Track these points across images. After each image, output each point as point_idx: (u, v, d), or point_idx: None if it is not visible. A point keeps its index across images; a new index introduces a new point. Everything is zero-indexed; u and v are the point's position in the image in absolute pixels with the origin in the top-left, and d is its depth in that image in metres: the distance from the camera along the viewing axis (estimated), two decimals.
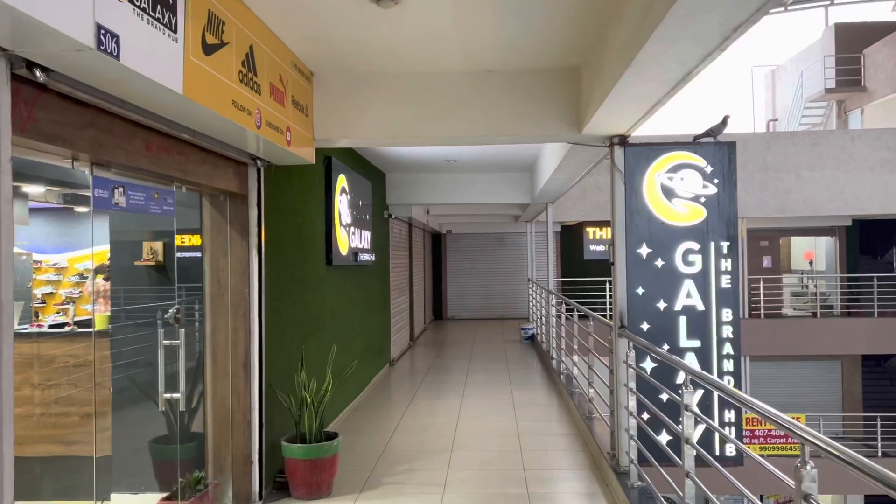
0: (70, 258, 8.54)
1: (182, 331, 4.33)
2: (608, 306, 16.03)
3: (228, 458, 5.16)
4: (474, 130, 5.17)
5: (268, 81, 4.21)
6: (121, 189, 3.64)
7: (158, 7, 2.81)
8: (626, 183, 5.16)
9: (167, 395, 4.21)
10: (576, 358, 8.81)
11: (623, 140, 5.15)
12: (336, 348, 7.01)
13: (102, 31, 2.39)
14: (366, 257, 8.88)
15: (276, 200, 5.69)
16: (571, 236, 19.62)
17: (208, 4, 3.32)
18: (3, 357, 2.39)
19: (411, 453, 6.46)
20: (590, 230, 19.60)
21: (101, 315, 5.48)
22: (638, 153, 5.20)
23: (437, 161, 10.13)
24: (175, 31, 2.96)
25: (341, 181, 7.64)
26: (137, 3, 2.64)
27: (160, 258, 5.29)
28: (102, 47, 2.39)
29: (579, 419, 7.20)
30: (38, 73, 2.54)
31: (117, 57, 2.49)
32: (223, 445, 5.17)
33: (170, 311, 4.41)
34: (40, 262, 8.32)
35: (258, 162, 5.06)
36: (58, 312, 8.13)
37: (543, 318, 13.32)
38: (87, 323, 5.65)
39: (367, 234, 9.16)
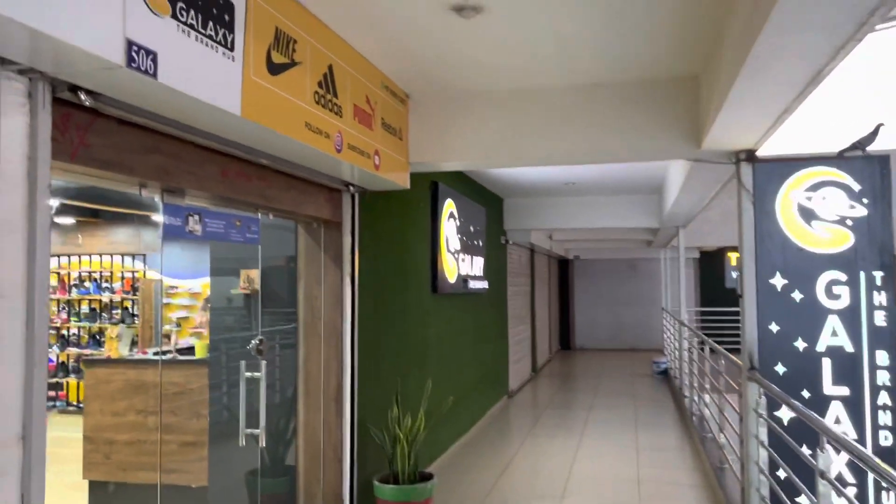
0: (179, 283, 8.82)
1: (263, 363, 4.18)
2: None
3: (319, 494, 4.96)
4: (579, 148, 4.73)
5: (351, 103, 4.01)
6: (196, 216, 3.53)
7: (211, 24, 2.65)
8: (756, 203, 4.52)
9: (248, 431, 4.04)
10: (708, 398, 7.99)
11: (751, 155, 4.53)
12: (433, 382, 6.70)
13: (134, 48, 2.23)
14: (478, 285, 8.56)
15: (375, 227, 5.50)
16: (711, 263, 18.37)
17: (275, 21, 3.15)
18: (34, 384, 2.25)
19: (518, 498, 6.00)
20: (732, 256, 18.27)
21: (200, 343, 5.49)
22: (769, 170, 4.56)
23: (556, 184, 9.69)
24: (231, 49, 2.79)
25: (449, 206, 7.39)
26: (183, 19, 2.48)
27: (256, 286, 5.23)
28: (134, 65, 2.23)
29: (709, 469, 6.45)
30: (82, 96, 2.43)
31: (154, 75, 2.32)
32: (314, 481, 4.98)
33: (252, 342, 4.27)
34: (175, 287, 8.64)
35: (351, 188, 4.88)
36: (189, 336, 8.39)
37: (677, 352, 12.41)
38: (189, 350, 5.70)
39: (479, 261, 8.85)
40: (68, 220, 8.75)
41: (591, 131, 4.70)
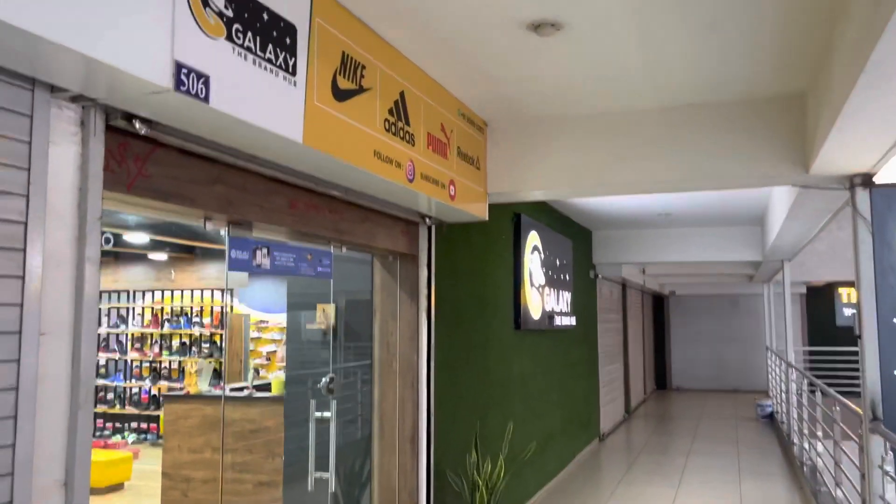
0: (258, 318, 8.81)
1: (334, 402, 4.00)
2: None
3: None
4: (670, 176, 4.39)
5: (425, 131, 3.84)
6: (265, 250, 3.42)
7: (270, 47, 2.53)
8: (875, 234, 4.03)
9: (317, 474, 3.86)
10: (820, 447, 7.28)
11: (867, 180, 4.06)
12: (515, 424, 6.37)
13: (184, 71, 2.12)
14: (565, 321, 8.19)
15: (453, 260, 5.30)
16: (820, 299, 17.20)
17: (341, 46, 3.02)
18: (79, 427, 2.12)
19: None
20: (842, 291, 17.09)
21: (276, 380, 5.40)
22: (890, 195, 4.07)
23: (648, 215, 9.24)
24: (294, 74, 2.67)
25: (532, 239, 7.11)
26: (239, 42, 2.36)
27: (332, 321, 5.10)
28: (184, 88, 2.11)
29: None
30: (137, 124, 2.34)
31: (206, 99, 2.21)
32: None
33: (323, 380, 4.11)
34: (266, 321, 8.69)
35: (427, 220, 4.70)
36: (278, 370, 8.37)
37: (784, 395, 11.54)
38: (265, 387, 5.61)
39: (566, 296, 8.48)
40: (161, 256, 8.98)
41: (685, 157, 4.35)
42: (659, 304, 18.90)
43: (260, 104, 2.48)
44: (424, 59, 3.71)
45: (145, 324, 9.33)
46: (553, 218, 8.34)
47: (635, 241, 10.48)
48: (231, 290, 9.18)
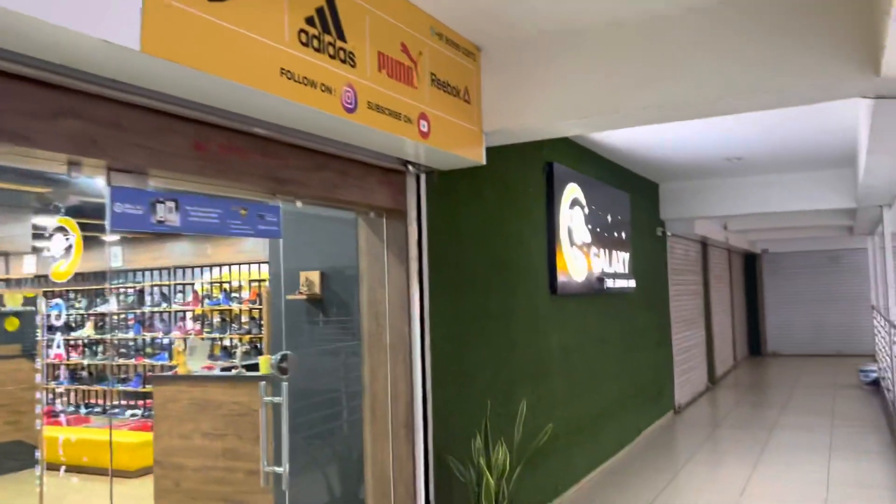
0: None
1: (285, 385, 3.39)
2: None
3: None
4: (701, 94, 3.49)
5: (373, 50, 3.12)
6: (170, 203, 2.81)
7: None
8: None
9: (269, 469, 3.27)
10: None
11: None
12: (558, 400, 5.62)
13: None
14: (620, 284, 7.30)
15: (456, 217, 4.58)
16: None
17: None
18: None
19: None
20: None
21: (264, 358, 4.86)
22: None
23: (716, 161, 8.15)
24: None
25: (571, 192, 6.26)
26: None
27: (316, 290, 4.49)
28: None
29: None
30: None
31: None
32: None
33: (272, 358, 3.51)
34: None
35: (411, 168, 4.00)
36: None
37: (890, 359, 10.19)
38: (254, 367, 5.10)
39: (622, 256, 7.58)
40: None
41: (716, 69, 3.44)
42: (750, 264, 17.43)
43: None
44: None
45: (186, 301, 9.09)
46: (601, 168, 7.42)
47: (708, 193, 9.37)
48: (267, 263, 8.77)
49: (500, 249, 5.10)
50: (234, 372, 5.03)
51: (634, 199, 8.46)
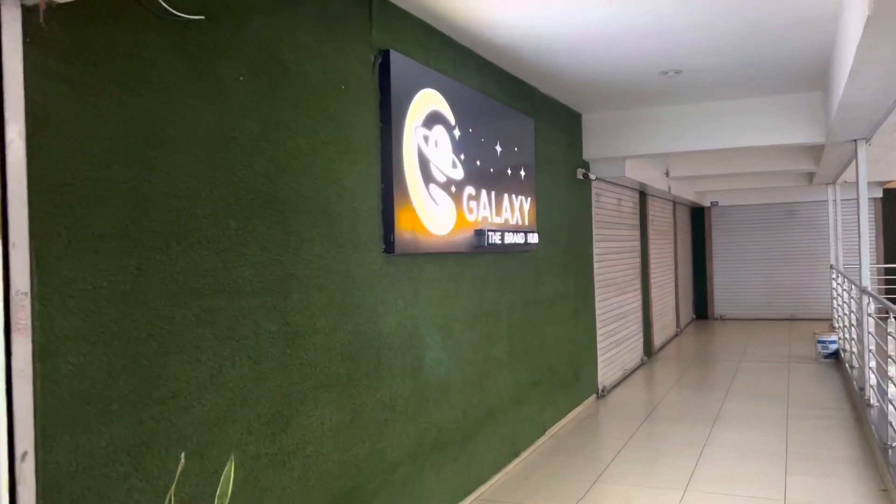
0: None
1: None
2: None
3: None
4: None
5: None
6: None
7: None
8: None
9: None
10: None
11: None
12: (336, 423, 3.74)
13: None
14: (513, 239, 5.37)
15: (137, 116, 2.52)
16: None
17: None
18: None
19: None
20: None
21: None
22: None
23: (649, 77, 6.19)
24: None
25: (427, 101, 4.24)
26: None
27: None
28: None
29: None
30: None
31: None
32: None
33: None
34: None
35: None
36: None
37: (853, 328, 8.57)
38: None
39: (521, 203, 5.63)
40: None
41: None
42: (698, 218, 15.75)
43: None
44: None
45: None
46: (489, 77, 5.37)
47: (643, 125, 7.44)
48: None
49: (264, 174, 3.07)
50: None
51: (544, 128, 6.49)
